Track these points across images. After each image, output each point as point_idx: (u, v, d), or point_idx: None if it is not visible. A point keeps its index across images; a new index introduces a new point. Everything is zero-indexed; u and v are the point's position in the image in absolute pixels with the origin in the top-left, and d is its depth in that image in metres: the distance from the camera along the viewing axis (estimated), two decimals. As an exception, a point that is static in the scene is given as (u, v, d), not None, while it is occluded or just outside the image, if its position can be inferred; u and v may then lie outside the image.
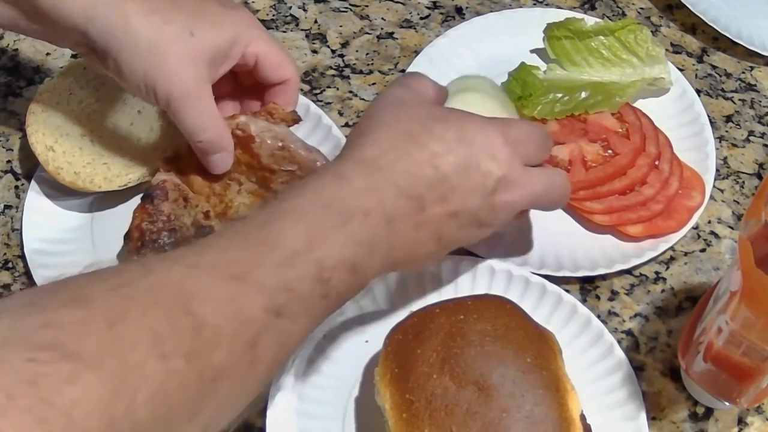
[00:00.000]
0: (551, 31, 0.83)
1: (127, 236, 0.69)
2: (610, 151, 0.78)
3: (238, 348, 0.49)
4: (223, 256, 0.52)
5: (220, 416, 0.50)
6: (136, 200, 0.76)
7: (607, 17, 0.90)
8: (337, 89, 0.85)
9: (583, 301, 0.73)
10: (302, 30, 0.88)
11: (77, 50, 0.68)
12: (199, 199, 0.69)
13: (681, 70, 0.85)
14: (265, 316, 0.51)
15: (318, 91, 0.84)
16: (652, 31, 0.84)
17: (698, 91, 0.84)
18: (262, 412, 0.67)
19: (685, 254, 0.77)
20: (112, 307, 0.45)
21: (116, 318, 0.45)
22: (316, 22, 0.89)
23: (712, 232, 0.78)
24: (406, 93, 0.64)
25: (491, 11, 0.89)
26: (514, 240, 0.75)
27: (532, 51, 0.85)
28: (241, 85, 0.73)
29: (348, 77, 0.85)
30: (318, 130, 0.79)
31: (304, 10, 0.90)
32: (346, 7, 0.90)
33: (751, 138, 0.83)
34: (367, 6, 0.90)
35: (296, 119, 0.71)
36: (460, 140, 0.61)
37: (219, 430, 0.51)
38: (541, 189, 0.64)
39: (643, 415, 0.66)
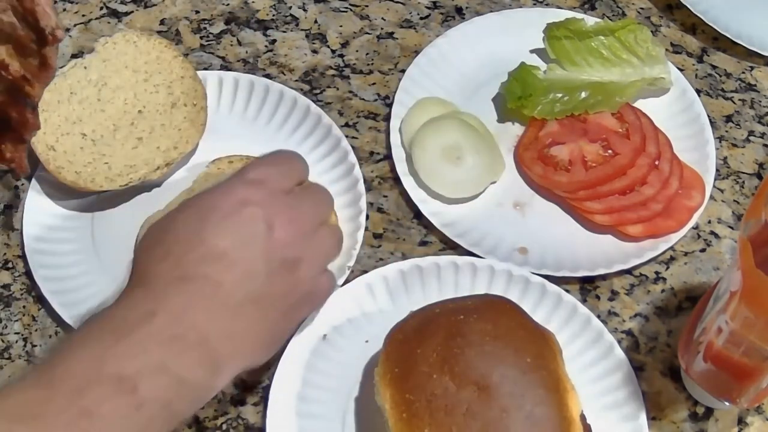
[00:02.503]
0: (551, 31, 0.83)
1: None
2: (610, 151, 0.78)
3: None
4: None
5: None
6: (138, 200, 0.76)
7: (607, 17, 0.90)
8: (337, 89, 0.85)
9: (583, 301, 0.73)
10: (302, 30, 0.88)
11: None
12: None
13: (681, 70, 0.85)
14: None
15: (318, 91, 0.84)
16: (652, 31, 0.84)
17: (698, 91, 0.84)
18: (262, 412, 0.67)
19: (685, 254, 0.77)
20: None
21: None
22: (316, 22, 0.89)
23: (712, 232, 0.78)
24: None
25: (491, 11, 0.89)
26: (514, 240, 0.75)
27: (532, 51, 0.85)
28: None
29: (348, 77, 0.85)
30: (318, 130, 0.79)
31: (304, 10, 0.90)
32: (346, 7, 0.90)
33: (751, 138, 0.83)
34: (367, 6, 0.90)
35: None
36: (198, 208, 0.60)
37: None
38: (312, 203, 0.64)
39: (643, 415, 0.67)
